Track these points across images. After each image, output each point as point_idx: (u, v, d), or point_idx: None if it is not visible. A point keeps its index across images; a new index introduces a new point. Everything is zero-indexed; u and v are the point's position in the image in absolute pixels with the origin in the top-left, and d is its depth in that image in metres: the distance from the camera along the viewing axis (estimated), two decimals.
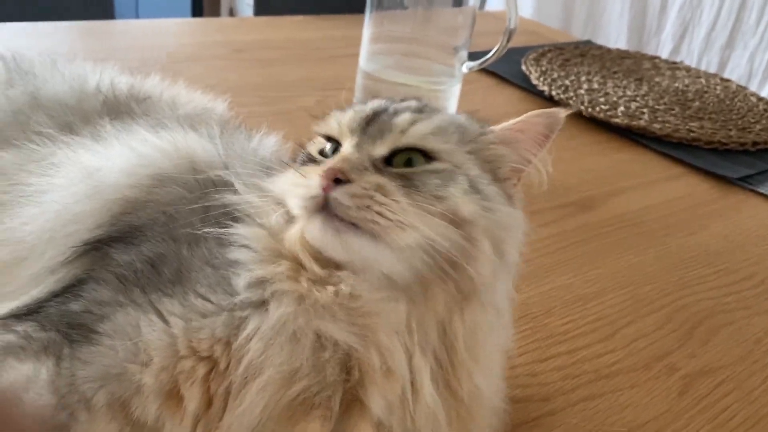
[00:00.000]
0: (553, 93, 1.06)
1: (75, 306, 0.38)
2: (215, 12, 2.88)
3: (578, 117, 1.02)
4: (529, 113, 0.44)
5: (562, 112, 0.44)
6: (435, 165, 0.41)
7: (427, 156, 0.41)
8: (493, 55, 0.84)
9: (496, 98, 1.07)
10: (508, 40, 0.83)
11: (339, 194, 0.36)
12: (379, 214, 0.36)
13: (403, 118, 0.42)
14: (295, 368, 0.35)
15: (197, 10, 2.80)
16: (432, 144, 0.41)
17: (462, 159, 0.42)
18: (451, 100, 0.88)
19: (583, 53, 1.27)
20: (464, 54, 0.87)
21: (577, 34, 1.80)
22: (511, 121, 0.46)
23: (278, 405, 0.35)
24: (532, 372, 0.54)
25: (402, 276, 0.37)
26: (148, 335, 0.35)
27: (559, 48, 1.27)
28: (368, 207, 0.36)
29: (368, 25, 0.86)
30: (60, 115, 0.53)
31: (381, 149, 0.41)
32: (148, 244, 0.39)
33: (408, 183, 0.39)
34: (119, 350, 0.35)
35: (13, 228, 0.43)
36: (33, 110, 0.53)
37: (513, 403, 0.50)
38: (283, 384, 0.35)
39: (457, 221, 0.38)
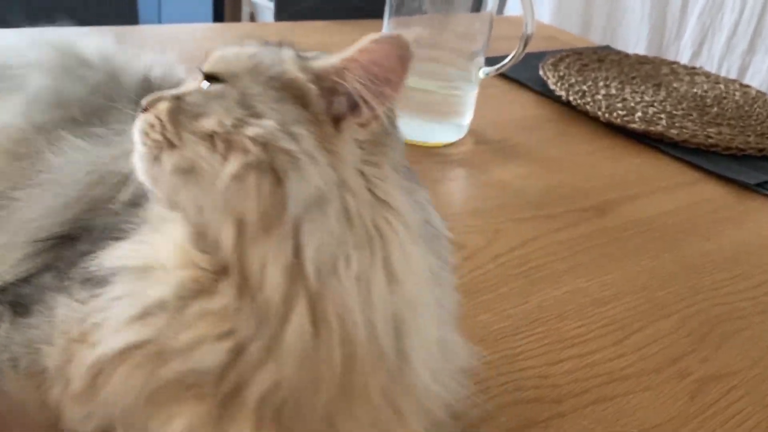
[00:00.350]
0: (571, 98, 1.07)
1: (26, 288, 0.42)
2: (236, 18, 2.91)
3: (595, 122, 1.02)
4: (367, 38, 0.36)
5: (407, 36, 0.36)
6: (210, 87, 0.39)
7: (216, 80, 0.39)
8: (510, 60, 0.85)
9: (513, 103, 1.08)
10: (524, 46, 0.84)
11: (137, 126, 0.39)
12: (147, 135, 0.38)
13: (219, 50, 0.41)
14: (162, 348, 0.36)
15: (218, 16, 2.83)
16: (215, 68, 0.40)
17: (248, 84, 0.38)
18: (468, 105, 0.89)
19: (602, 58, 1.27)
20: (481, 59, 0.88)
21: (596, 39, 1.80)
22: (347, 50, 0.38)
23: (148, 387, 0.36)
24: (543, 374, 0.54)
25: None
26: (57, 319, 0.39)
27: (577, 53, 1.28)
28: (147, 133, 0.38)
29: (386, 30, 0.87)
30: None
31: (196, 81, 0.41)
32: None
33: (179, 104, 0.38)
34: (42, 328, 0.39)
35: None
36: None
37: (524, 404, 0.51)
38: (151, 365, 0.36)
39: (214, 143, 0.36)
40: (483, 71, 0.88)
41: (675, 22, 1.74)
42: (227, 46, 0.42)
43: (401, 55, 0.36)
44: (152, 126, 0.38)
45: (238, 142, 0.35)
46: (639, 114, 1.03)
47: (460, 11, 0.88)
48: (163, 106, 0.38)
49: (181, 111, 0.38)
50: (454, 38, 0.88)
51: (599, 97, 1.08)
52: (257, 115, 0.36)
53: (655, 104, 1.08)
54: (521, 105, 1.08)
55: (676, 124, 1.01)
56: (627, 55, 1.33)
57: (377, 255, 0.36)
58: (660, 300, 0.65)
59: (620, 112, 1.03)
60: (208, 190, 0.36)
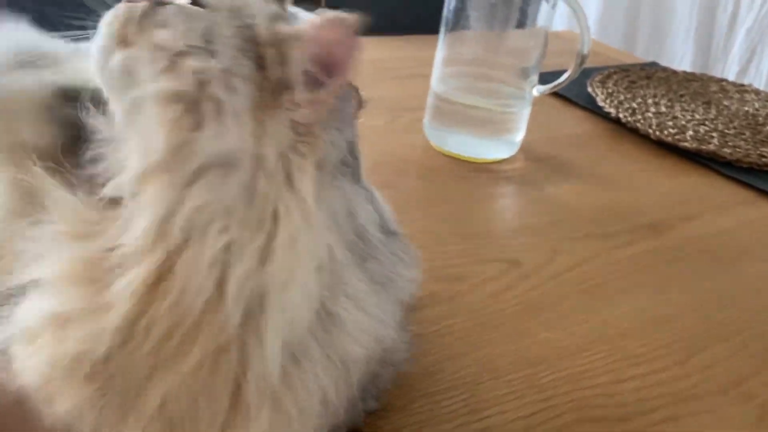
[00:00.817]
0: (621, 116, 1.07)
1: None
2: None
3: (646, 140, 1.02)
4: (322, 17, 0.34)
5: (353, 19, 0.33)
6: (188, 6, 0.38)
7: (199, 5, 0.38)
8: (565, 80, 0.86)
9: (562, 119, 1.09)
10: (580, 65, 0.85)
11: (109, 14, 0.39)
12: (111, 25, 0.38)
13: None
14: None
15: None
16: None
17: (221, 21, 0.36)
18: (521, 122, 0.90)
19: (649, 75, 1.27)
20: (535, 77, 0.89)
21: (641, 54, 1.79)
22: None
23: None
24: (609, 393, 0.55)
25: None
26: None
27: (624, 70, 1.28)
28: (112, 23, 0.38)
29: (441, 46, 0.89)
30: None
31: None
32: None
33: (153, 9, 0.38)
34: None
35: None
36: None
37: (591, 422, 0.52)
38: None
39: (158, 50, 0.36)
40: (537, 89, 0.89)
41: (722, 39, 1.73)
42: None
43: (352, 42, 0.34)
44: (120, 19, 0.37)
45: (179, 66, 0.34)
46: (690, 132, 1.03)
47: (514, 28, 0.89)
48: (140, 5, 0.37)
49: (151, 16, 0.37)
50: (508, 55, 0.89)
51: (649, 114, 1.08)
52: (210, 53, 0.35)
53: (706, 122, 1.08)
54: (570, 121, 1.08)
55: (729, 143, 1.01)
56: (675, 72, 1.32)
57: (259, 237, 0.33)
58: (720, 321, 0.65)
59: (671, 131, 1.03)
60: (132, 101, 0.35)
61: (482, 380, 0.54)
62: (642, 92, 1.18)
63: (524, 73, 0.88)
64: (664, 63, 1.50)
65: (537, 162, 0.92)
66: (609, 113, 1.09)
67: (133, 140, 0.35)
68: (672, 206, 0.85)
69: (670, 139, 1.00)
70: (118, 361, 0.33)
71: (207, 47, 0.35)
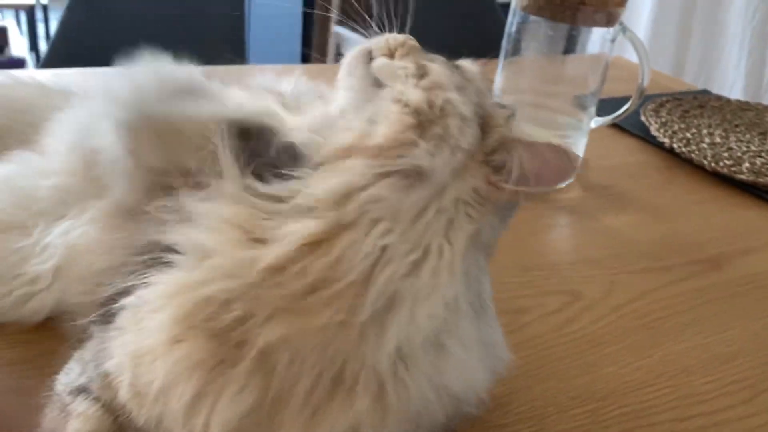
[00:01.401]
0: (675, 145, 1.07)
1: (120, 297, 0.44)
2: (323, 48, 3.00)
3: (701, 170, 1.02)
4: (546, 143, 0.43)
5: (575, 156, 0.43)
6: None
7: None
8: (624, 112, 0.87)
9: (616, 148, 1.09)
10: (639, 98, 0.85)
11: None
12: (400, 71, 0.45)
13: None
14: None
15: (307, 54, 2.92)
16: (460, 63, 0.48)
17: (471, 90, 0.45)
18: (578, 152, 0.91)
19: (702, 104, 1.27)
20: (593, 109, 0.89)
21: (689, 80, 1.78)
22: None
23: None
24: (674, 430, 0.55)
25: None
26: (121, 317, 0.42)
27: (677, 98, 1.27)
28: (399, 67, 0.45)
29: (500, 75, 0.90)
30: None
31: None
32: None
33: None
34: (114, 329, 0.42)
35: None
36: None
37: None
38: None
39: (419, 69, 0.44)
40: (595, 121, 0.90)
41: None
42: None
43: (564, 172, 0.43)
44: (394, 40, 0.46)
45: (435, 91, 0.41)
46: (746, 164, 1.02)
47: (563, 57, 0.90)
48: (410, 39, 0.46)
49: (419, 50, 0.46)
50: (565, 84, 0.90)
51: (704, 145, 1.08)
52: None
53: (763, 154, 1.07)
54: (624, 150, 1.09)
55: None
56: (728, 101, 1.31)
57: (410, 255, 0.38)
58: None
59: (727, 162, 1.02)
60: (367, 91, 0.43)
61: (548, 414, 0.55)
62: (696, 122, 1.18)
63: (582, 103, 0.89)
64: (715, 90, 1.49)
65: (592, 191, 0.93)
66: (663, 143, 1.09)
67: (352, 119, 0.41)
68: (730, 240, 0.85)
69: (726, 170, 1.00)
70: (248, 299, 0.36)
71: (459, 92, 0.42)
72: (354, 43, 0.46)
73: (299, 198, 0.38)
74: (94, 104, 0.58)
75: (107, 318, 0.45)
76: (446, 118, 0.40)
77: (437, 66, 0.43)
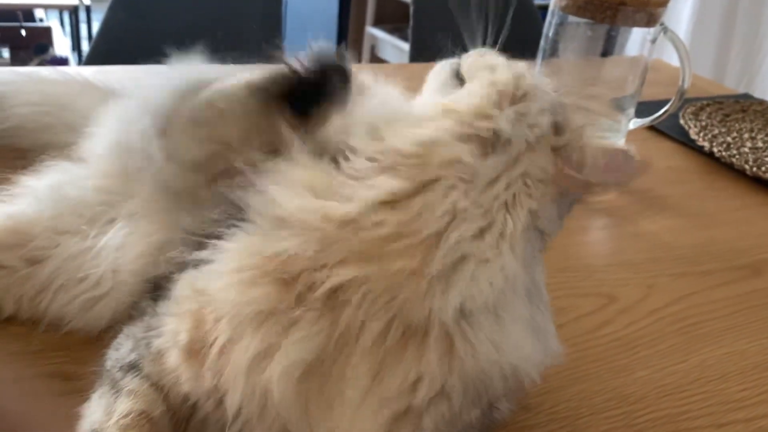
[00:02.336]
0: (715, 150, 1.05)
1: (175, 273, 0.46)
2: (357, 54, 3.02)
3: (742, 175, 1.00)
4: (619, 149, 0.45)
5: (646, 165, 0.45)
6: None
7: None
8: (664, 114, 0.86)
9: (654, 152, 1.07)
10: (680, 100, 0.84)
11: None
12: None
13: None
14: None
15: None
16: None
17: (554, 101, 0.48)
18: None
19: (744, 108, 1.24)
20: (632, 111, 0.88)
21: (731, 84, 1.75)
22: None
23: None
24: None
25: None
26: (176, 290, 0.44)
27: (718, 102, 1.25)
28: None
29: (538, 72, 0.90)
30: None
31: None
32: None
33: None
34: (167, 306, 0.44)
35: None
36: None
37: None
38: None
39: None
40: (634, 123, 0.89)
41: None
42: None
43: (628, 176, 0.45)
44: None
45: (521, 80, 0.45)
46: None
47: (602, 58, 0.89)
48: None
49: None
50: (604, 86, 0.89)
51: (745, 149, 1.06)
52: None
53: None
54: (663, 154, 1.07)
55: None
56: None
57: (479, 220, 0.41)
58: None
59: None
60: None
61: (581, 416, 0.54)
62: (737, 126, 1.15)
63: (620, 105, 0.88)
64: (757, 95, 1.46)
65: (630, 195, 0.91)
66: (702, 147, 1.07)
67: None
68: None
69: (767, 176, 0.98)
70: (322, 248, 0.39)
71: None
72: (387, 45, 0.48)
73: (380, 156, 0.41)
74: (131, 104, 0.59)
75: (160, 294, 0.47)
76: (528, 101, 0.44)
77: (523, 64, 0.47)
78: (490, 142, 0.42)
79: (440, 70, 0.51)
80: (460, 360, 0.39)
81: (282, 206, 0.41)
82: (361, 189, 0.40)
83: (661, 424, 0.55)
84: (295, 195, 0.41)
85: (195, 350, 0.41)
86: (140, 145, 0.52)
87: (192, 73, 0.53)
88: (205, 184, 0.48)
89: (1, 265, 0.54)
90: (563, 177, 0.44)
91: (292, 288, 0.39)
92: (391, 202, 0.40)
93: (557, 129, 0.45)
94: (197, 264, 0.43)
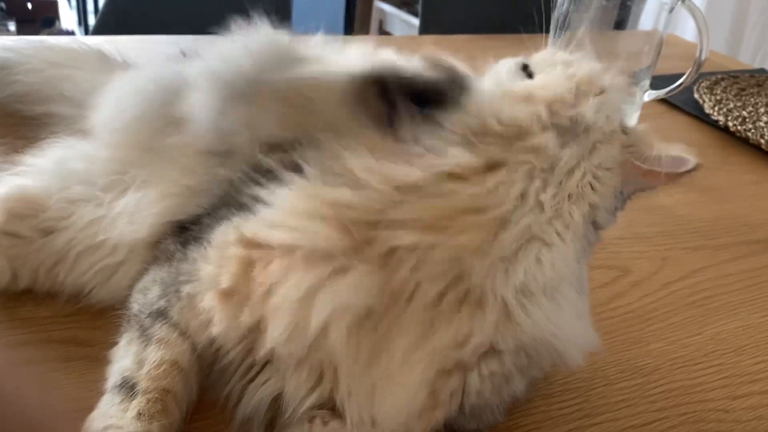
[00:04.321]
0: (729, 124, 1.03)
1: (199, 225, 0.48)
2: (366, 24, 2.99)
3: (757, 150, 0.99)
4: (678, 154, 0.46)
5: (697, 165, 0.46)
6: None
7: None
8: (680, 85, 0.84)
9: (668, 126, 1.06)
10: (696, 72, 0.83)
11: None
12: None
13: None
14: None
15: (349, 23, 2.92)
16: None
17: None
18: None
19: (760, 83, 1.22)
20: (647, 82, 0.87)
21: (746, 59, 1.73)
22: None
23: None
24: (724, 408, 0.54)
25: None
26: (214, 237, 0.44)
27: (733, 76, 1.23)
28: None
29: (551, 47, 0.88)
30: None
31: None
32: None
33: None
34: (202, 253, 0.45)
35: None
36: None
37: None
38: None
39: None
40: (648, 94, 0.87)
41: None
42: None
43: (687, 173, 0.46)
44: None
45: (599, 76, 0.49)
46: None
47: (617, 30, 0.88)
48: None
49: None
50: (619, 58, 0.87)
51: (761, 124, 1.04)
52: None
53: None
54: (677, 128, 1.06)
55: None
56: None
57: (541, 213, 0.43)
58: None
59: None
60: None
61: (595, 386, 0.54)
62: (753, 100, 1.14)
63: (635, 77, 0.86)
64: None
65: None
66: (717, 121, 1.05)
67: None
68: None
69: None
70: (387, 206, 0.40)
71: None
72: (395, 19, 0.47)
73: (457, 128, 0.43)
74: (144, 75, 0.59)
75: (188, 237, 0.47)
76: (606, 93, 0.46)
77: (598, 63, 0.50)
78: (570, 130, 0.44)
79: (503, 66, 0.52)
80: (517, 325, 0.41)
81: (343, 162, 0.42)
82: (429, 158, 0.41)
83: (676, 396, 0.54)
84: (357, 155, 0.42)
85: (235, 292, 0.41)
86: (198, 110, 0.51)
87: (274, 45, 0.53)
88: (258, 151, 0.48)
89: (15, 234, 0.53)
90: (629, 168, 0.46)
91: (350, 236, 0.40)
92: (461, 176, 0.41)
93: (624, 128, 0.47)
94: (243, 209, 0.43)
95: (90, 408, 0.43)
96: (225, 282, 0.42)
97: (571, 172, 0.43)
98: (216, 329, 0.42)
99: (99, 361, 0.47)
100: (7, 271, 0.53)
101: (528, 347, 0.42)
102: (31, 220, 0.53)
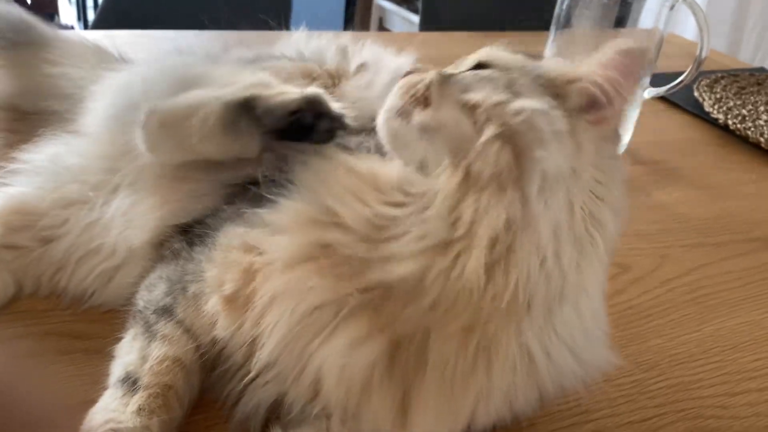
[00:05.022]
0: (729, 122, 1.03)
1: (203, 225, 0.48)
2: (365, 22, 2.98)
3: (756, 148, 0.99)
4: (609, 50, 0.43)
5: (640, 49, 0.42)
6: (481, 71, 0.45)
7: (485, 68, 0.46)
8: (680, 83, 0.84)
9: (667, 124, 1.06)
10: (697, 69, 0.83)
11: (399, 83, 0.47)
12: (406, 92, 0.45)
13: None
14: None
15: (349, 25, 2.91)
16: (488, 58, 0.46)
17: (516, 75, 0.44)
18: (629, 124, 0.89)
19: (760, 81, 1.22)
20: (647, 80, 0.87)
21: (745, 59, 1.72)
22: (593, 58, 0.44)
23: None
24: (723, 405, 0.54)
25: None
26: (219, 240, 0.45)
27: (733, 75, 1.23)
28: (407, 91, 0.45)
29: (551, 45, 0.88)
30: None
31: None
32: None
33: (448, 77, 0.45)
34: (206, 254, 0.45)
35: None
36: None
37: None
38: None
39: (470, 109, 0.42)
40: (648, 92, 0.87)
41: None
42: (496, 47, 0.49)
43: (637, 66, 0.41)
44: (414, 85, 0.44)
45: (499, 115, 0.40)
46: None
47: (618, 28, 0.88)
48: (431, 75, 0.45)
49: (450, 82, 0.44)
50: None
51: (761, 122, 1.04)
52: (521, 97, 0.41)
53: None
54: (676, 126, 1.06)
55: None
56: None
57: (583, 257, 0.41)
58: None
59: None
60: (443, 148, 0.41)
61: (594, 382, 0.54)
62: (753, 99, 1.14)
63: None
64: None
65: (643, 166, 0.90)
66: (717, 119, 1.05)
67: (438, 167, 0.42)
68: None
69: None
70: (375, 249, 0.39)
71: (515, 95, 0.42)
72: (395, 16, 0.47)
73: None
74: (131, 77, 0.60)
75: (193, 237, 0.47)
76: (528, 124, 0.40)
77: (475, 93, 0.43)
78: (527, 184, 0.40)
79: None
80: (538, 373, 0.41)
81: (325, 183, 0.42)
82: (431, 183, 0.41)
83: (674, 392, 0.54)
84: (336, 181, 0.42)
85: (237, 300, 0.42)
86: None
87: (169, 72, 0.54)
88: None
89: (14, 246, 0.54)
90: (599, 124, 0.42)
91: (344, 274, 0.39)
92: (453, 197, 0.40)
93: (558, 97, 0.42)
94: (246, 215, 0.44)
95: (88, 400, 0.43)
96: (228, 288, 0.42)
97: (560, 221, 0.40)
98: (220, 333, 0.43)
99: (97, 354, 0.47)
100: (11, 284, 0.53)
101: (553, 389, 0.43)
102: (29, 230, 0.54)
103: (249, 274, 0.42)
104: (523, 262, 0.38)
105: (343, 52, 0.65)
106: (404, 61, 0.64)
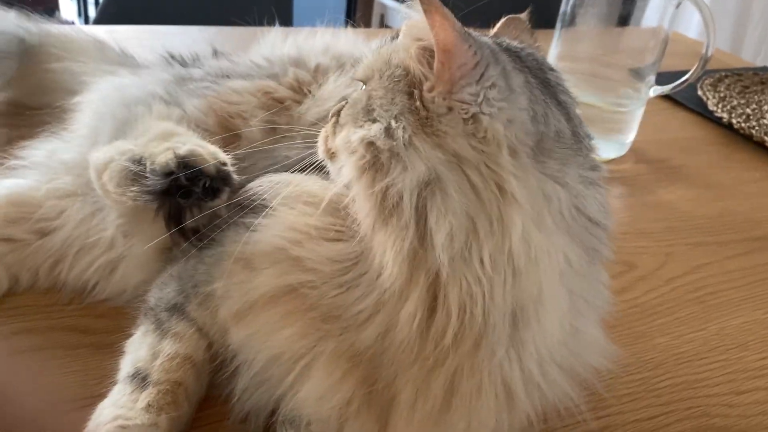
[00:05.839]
0: (733, 121, 1.03)
1: (215, 228, 0.47)
2: (367, 19, 2.98)
3: (760, 147, 0.99)
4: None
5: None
6: (354, 94, 0.44)
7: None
8: (685, 81, 0.84)
9: (671, 122, 1.06)
10: (702, 68, 0.82)
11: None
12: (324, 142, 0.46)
13: None
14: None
15: (350, 20, 2.90)
16: (361, 76, 0.44)
17: (375, 85, 0.41)
18: (633, 122, 0.89)
19: (764, 80, 1.22)
20: (652, 78, 0.87)
21: (748, 57, 1.72)
22: None
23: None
24: (729, 403, 0.54)
25: None
26: (225, 246, 0.44)
27: (737, 74, 1.23)
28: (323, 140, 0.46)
29: (556, 42, 0.88)
30: None
31: None
32: None
33: (337, 119, 0.44)
34: (215, 257, 0.45)
35: None
36: None
37: (713, 431, 0.51)
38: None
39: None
40: (654, 90, 0.87)
41: None
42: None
43: (436, 21, 0.38)
44: (326, 136, 0.45)
45: (354, 147, 0.39)
46: None
47: (624, 26, 0.87)
48: (331, 122, 0.45)
49: (336, 125, 0.44)
50: (624, 54, 0.87)
51: (765, 121, 1.04)
52: (372, 120, 0.39)
53: None
54: (679, 125, 1.05)
55: None
56: None
57: (503, 243, 0.36)
58: None
59: None
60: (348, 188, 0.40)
61: (601, 380, 0.54)
62: (757, 98, 1.13)
63: (640, 73, 0.86)
64: None
65: (647, 164, 0.90)
66: (720, 118, 1.05)
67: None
68: None
69: None
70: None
71: (369, 117, 0.40)
72: (397, 13, 0.45)
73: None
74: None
75: (204, 238, 0.48)
76: (375, 148, 0.38)
77: (341, 134, 0.42)
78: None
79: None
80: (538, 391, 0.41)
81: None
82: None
83: (681, 390, 0.54)
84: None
85: (243, 316, 0.41)
86: None
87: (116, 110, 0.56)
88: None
89: (11, 239, 0.53)
90: (437, 100, 0.38)
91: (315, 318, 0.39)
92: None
93: (412, 90, 0.39)
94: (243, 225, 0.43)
95: (93, 395, 0.43)
96: (233, 305, 0.42)
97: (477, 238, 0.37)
98: (231, 340, 0.43)
99: (102, 348, 0.47)
100: (5, 279, 0.53)
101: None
102: (25, 222, 0.54)
103: (247, 294, 0.42)
104: (455, 293, 0.36)
105: (297, 61, 0.64)
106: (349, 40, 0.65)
